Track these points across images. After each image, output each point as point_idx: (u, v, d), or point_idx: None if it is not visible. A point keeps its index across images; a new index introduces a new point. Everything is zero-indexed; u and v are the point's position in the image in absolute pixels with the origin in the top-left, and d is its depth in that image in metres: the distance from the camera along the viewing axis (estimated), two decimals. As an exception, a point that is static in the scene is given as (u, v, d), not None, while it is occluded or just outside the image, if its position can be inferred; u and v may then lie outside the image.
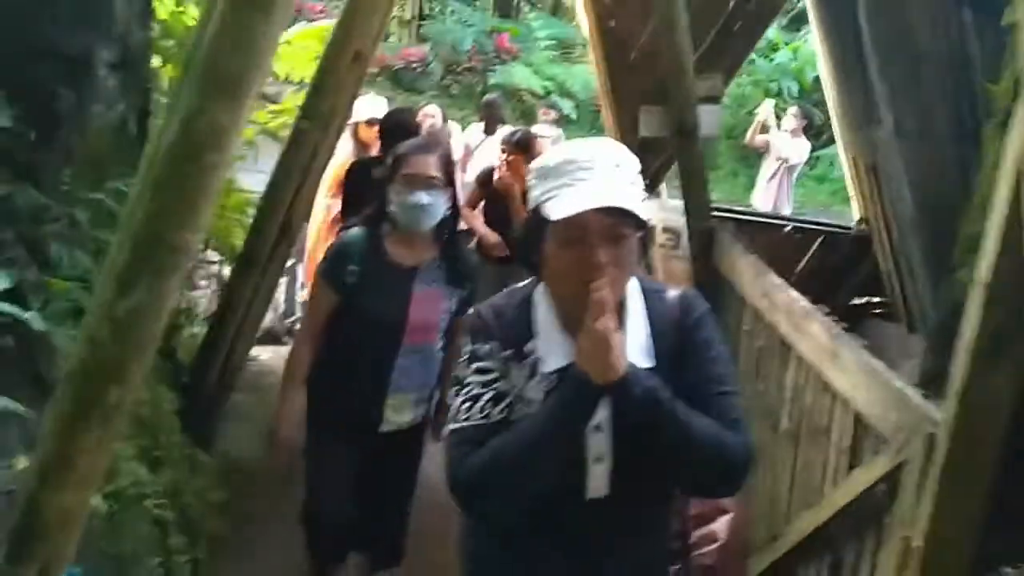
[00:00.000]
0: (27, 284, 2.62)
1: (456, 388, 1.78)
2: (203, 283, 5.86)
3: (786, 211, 8.64)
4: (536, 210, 1.71)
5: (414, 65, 16.95)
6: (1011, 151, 1.61)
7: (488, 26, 17.30)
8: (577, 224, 1.60)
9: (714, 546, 2.01)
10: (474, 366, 1.77)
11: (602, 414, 1.67)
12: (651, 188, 4.90)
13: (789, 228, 5.14)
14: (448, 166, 2.96)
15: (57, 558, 1.63)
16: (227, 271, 5.00)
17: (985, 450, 1.65)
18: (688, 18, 4.45)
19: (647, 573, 1.90)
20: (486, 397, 1.73)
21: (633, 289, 1.78)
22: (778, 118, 9.53)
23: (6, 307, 2.39)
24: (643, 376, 1.62)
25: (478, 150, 7.59)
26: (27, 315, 2.44)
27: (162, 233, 1.44)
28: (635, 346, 1.72)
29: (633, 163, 1.69)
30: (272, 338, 5.99)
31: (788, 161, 8.72)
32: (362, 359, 2.91)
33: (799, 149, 8.84)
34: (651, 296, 1.81)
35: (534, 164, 1.77)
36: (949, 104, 3.81)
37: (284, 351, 4.40)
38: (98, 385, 1.52)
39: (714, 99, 3.91)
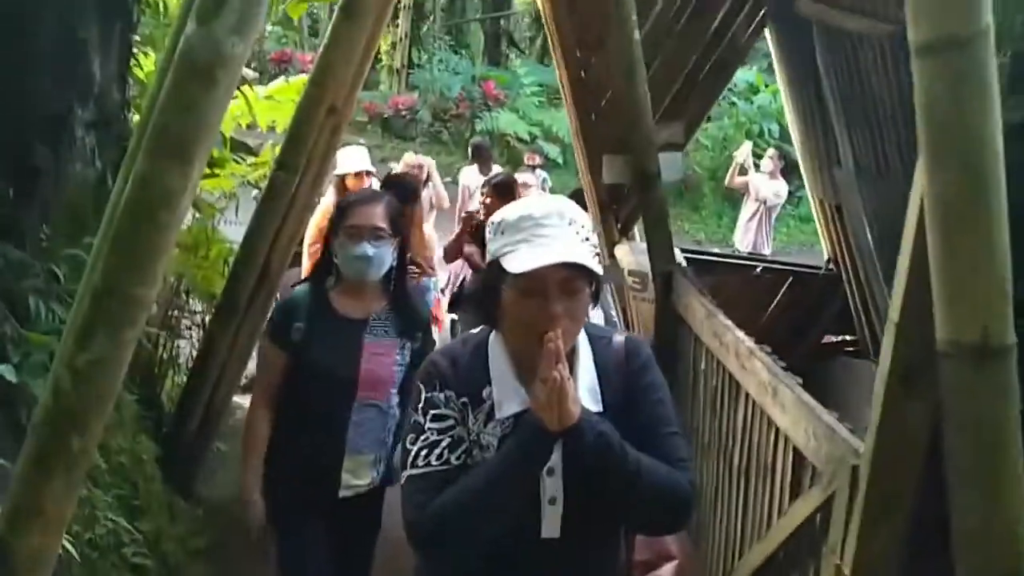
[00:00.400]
0: (6, 338, 2.70)
1: (413, 435, 1.81)
2: (188, 333, 5.92)
3: (766, 251, 8.80)
4: (494, 262, 1.77)
5: (403, 113, 17.29)
6: (916, 190, 1.72)
7: (475, 73, 17.62)
8: (535, 277, 1.68)
9: None
10: (431, 413, 1.82)
11: (555, 457, 1.73)
12: (623, 232, 5.04)
13: (760, 269, 5.25)
14: (396, 215, 2.90)
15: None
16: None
17: (903, 480, 1.73)
18: (656, 68, 4.62)
19: None
20: (443, 444, 1.78)
21: (581, 336, 1.84)
22: (759, 159, 9.73)
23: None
24: (595, 422, 1.69)
25: (476, 192, 7.82)
26: (2, 368, 2.52)
27: (118, 286, 1.54)
28: (584, 391, 1.79)
29: (585, 220, 1.78)
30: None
31: (767, 202, 8.90)
32: (316, 417, 2.84)
33: (777, 189, 9.03)
34: (597, 342, 1.89)
35: (492, 218, 1.83)
36: (902, 141, 3.95)
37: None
38: (62, 434, 1.60)
39: (676, 146, 4.05)
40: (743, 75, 16.10)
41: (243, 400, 5.53)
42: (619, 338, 1.94)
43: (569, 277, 1.71)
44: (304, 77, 5.09)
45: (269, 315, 3.08)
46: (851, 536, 1.77)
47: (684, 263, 5.09)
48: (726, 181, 9.78)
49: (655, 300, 3.59)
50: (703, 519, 3.16)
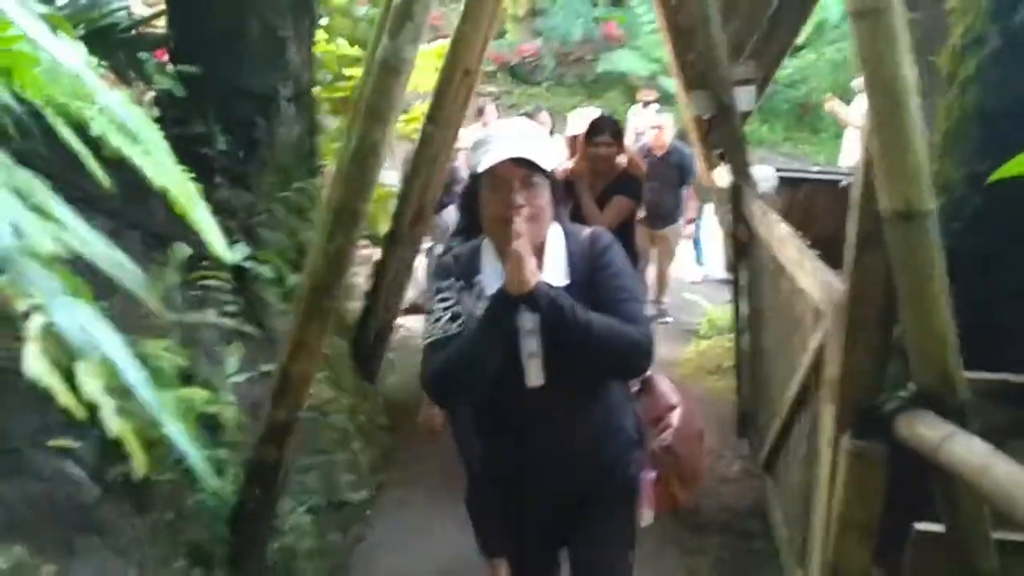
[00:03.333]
0: (249, 256, 3.78)
1: (427, 315, 2.23)
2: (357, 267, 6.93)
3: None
4: (472, 174, 2.21)
5: (528, 59, 17.98)
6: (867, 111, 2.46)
7: (595, 15, 18.01)
8: (498, 175, 2.08)
9: (669, 431, 2.50)
10: (438, 296, 2.22)
11: (533, 321, 2.10)
12: (721, 156, 5.72)
13: (844, 183, 5.82)
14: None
15: (299, 403, 2.74)
16: (377, 254, 6.05)
17: (870, 307, 2.49)
18: (741, 8, 5.24)
19: (593, 437, 2.31)
20: (446, 317, 2.17)
21: (556, 230, 2.24)
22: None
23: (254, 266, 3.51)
24: (550, 288, 2.06)
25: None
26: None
27: (348, 204, 2.52)
28: (555, 270, 2.19)
29: (541, 134, 2.22)
30: (414, 309, 6.78)
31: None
32: None
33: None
34: (570, 235, 2.27)
35: (475, 142, 2.22)
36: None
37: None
38: (318, 296, 2.61)
39: (749, 81, 4.73)
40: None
41: (403, 320, 6.54)
42: (587, 231, 2.31)
43: (527, 173, 2.09)
44: (440, 44, 5.88)
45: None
46: (839, 350, 2.57)
47: (775, 180, 5.78)
48: (826, 107, 9.93)
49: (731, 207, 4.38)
50: (767, 369, 3.98)
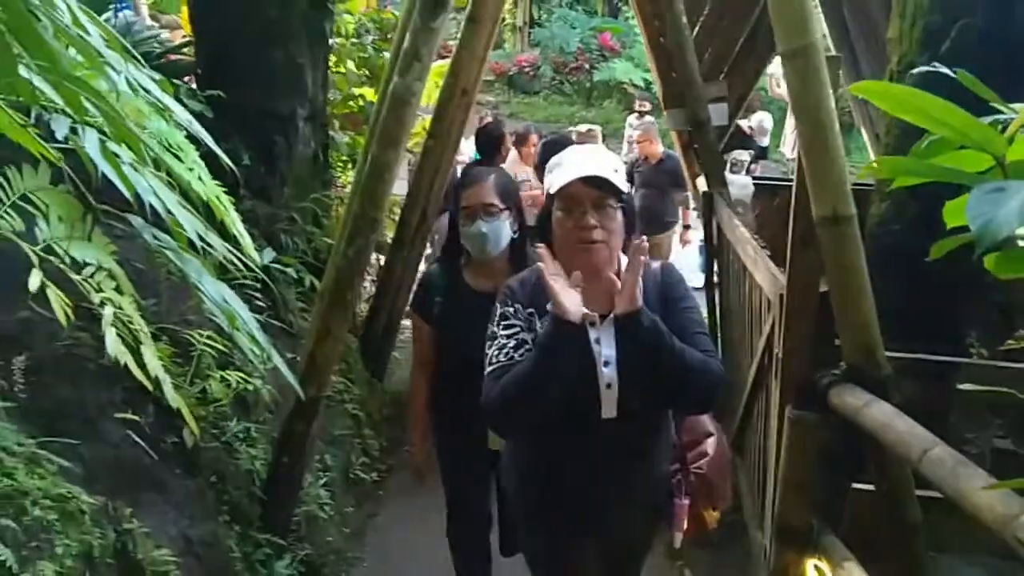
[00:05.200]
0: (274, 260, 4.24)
1: (489, 342, 2.15)
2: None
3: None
4: (547, 194, 2.16)
5: (527, 69, 18.50)
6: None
7: (592, 26, 18.51)
8: (571, 196, 2.05)
9: (704, 460, 2.48)
10: (502, 323, 2.15)
11: (609, 351, 2.07)
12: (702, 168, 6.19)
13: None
14: (506, 189, 2.95)
15: (324, 383, 3.20)
16: (382, 259, 6.43)
17: (808, 297, 2.95)
18: (717, 27, 5.69)
19: (649, 481, 2.33)
20: (510, 345, 2.10)
21: (623, 260, 2.17)
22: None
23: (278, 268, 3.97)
24: (649, 312, 1.99)
25: None
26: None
27: (366, 212, 2.98)
28: None
29: (615, 159, 2.20)
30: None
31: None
32: (462, 383, 2.75)
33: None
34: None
35: (549, 163, 2.21)
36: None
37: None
38: (341, 290, 3.07)
39: (722, 99, 5.21)
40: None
41: (408, 322, 6.91)
42: (656, 263, 2.29)
43: (599, 195, 2.06)
44: (441, 63, 6.29)
45: (413, 290, 3.30)
46: (782, 334, 3.03)
47: (751, 188, 6.24)
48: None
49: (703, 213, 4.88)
50: (736, 358, 4.45)
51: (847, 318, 2.89)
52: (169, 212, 1.91)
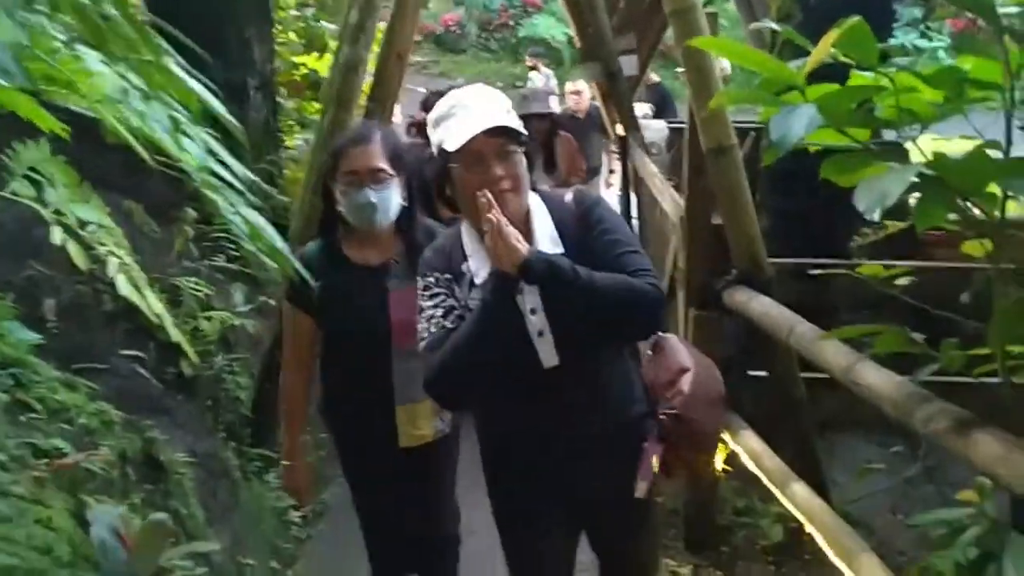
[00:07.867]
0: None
1: (420, 317, 2.05)
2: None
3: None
4: (440, 152, 2.00)
5: (452, 28, 18.77)
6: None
7: (513, -19, 18.77)
8: (472, 151, 1.91)
9: (679, 398, 2.15)
10: (426, 294, 2.06)
11: (534, 297, 1.98)
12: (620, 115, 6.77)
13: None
14: (396, 151, 2.62)
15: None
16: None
17: (702, 213, 3.58)
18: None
19: (611, 429, 2.15)
20: (439, 313, 2.01)
21: (535, 198, 2.08)
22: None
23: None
24: (543, 254, 1.90)
25: None
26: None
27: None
28: (545, 240, 2.02)
29: (504, 98, 2.04)
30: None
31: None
32: (359, 374, 2.64)
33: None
34: (551, 201, 2.12)
35: (430, 116, 2.06)
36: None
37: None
38: (307, 233, 3.56)
39: (631, 51, 5.76)
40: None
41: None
42: (568, 193, 2.16)
43: (501, 143, 1.94)
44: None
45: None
46: (685, 249, 3.64)
47: (666, 132, 6.84)
48: None
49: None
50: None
51: (735, 231, 3.50)
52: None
